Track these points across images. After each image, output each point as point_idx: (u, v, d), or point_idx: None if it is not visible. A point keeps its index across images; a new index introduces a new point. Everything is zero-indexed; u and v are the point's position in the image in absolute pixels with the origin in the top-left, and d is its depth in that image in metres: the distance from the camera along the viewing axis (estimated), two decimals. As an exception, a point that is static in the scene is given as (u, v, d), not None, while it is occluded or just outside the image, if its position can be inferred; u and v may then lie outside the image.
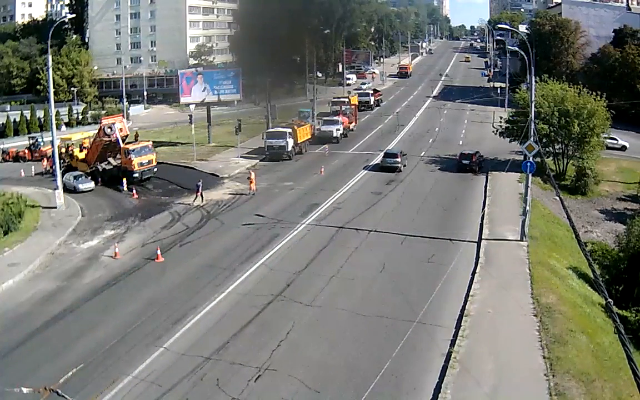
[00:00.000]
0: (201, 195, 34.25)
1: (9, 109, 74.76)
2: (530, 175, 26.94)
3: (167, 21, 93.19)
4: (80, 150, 42.49)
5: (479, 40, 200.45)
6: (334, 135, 52.19)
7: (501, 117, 47.73)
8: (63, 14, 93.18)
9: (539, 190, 37.10)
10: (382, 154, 43.42)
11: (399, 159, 41.36)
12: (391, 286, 22.06)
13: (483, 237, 26.97)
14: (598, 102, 39.87)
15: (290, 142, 46.08)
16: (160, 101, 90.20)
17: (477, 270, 23.08)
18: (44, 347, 18.03)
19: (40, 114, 66.43)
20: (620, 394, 15.54)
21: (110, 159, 40.21)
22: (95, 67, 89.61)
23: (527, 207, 26.94)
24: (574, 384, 15.54)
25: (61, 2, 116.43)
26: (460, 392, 15.20)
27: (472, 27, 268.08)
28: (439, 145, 51.25)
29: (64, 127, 67.08)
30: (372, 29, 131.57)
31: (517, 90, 47.39)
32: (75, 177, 38.45)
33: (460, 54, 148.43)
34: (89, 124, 68.91)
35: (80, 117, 72.99)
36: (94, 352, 17.51)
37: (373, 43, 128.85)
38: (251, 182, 36.12)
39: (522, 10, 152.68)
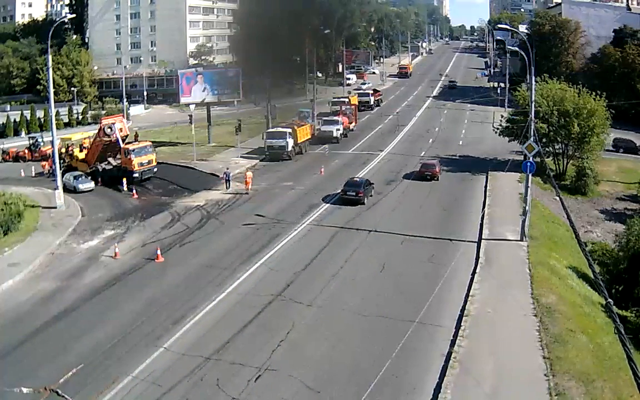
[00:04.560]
0: (228, 182, 36.79)
1: (9, 109, 74.58)
2: (530, 175, 26.93)
3: (167, 21, 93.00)
4: (80, 150, 42.44)
5: (478, 41, 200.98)
6: (334, 135, 52.16)
7: (502, 116, 47.65)
8: (63, 14, 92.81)
9: (539, 190, 37.07)
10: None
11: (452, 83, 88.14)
12: (391, 286, 22.07)
13: (483, 237, 26.96)
14: (598, 102, 39.85)
15: (290, 142, 46.02)
16: (160, 101, 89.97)
17: (477, 270, 23.09)
18: (44, 347, 18.02)
19: (40, 114, 66.37)
20: (620, 394, 15.53)
21: (110, 159, 40.19)
22: (95, 67, 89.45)
23: (527, 207, 26.93)
24: (574, 384, 15.54)
25: (61, 2, 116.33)
26: (460, 392, 15.20)
27: (472, 27, 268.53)
28: (439, 145, 51.21)
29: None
30: (372, 29, 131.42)
31: (518, 89, 47.41)
32: (75, 177, 38.41)
33: (460, 54, 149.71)
34: (89, 124, 68.78)
35: (80, 117, 72.88)
36: (94, 352, 17.51)
37: (373, 43, 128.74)
38: (247, 182, 36.25)
39: (522, 10, 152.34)
